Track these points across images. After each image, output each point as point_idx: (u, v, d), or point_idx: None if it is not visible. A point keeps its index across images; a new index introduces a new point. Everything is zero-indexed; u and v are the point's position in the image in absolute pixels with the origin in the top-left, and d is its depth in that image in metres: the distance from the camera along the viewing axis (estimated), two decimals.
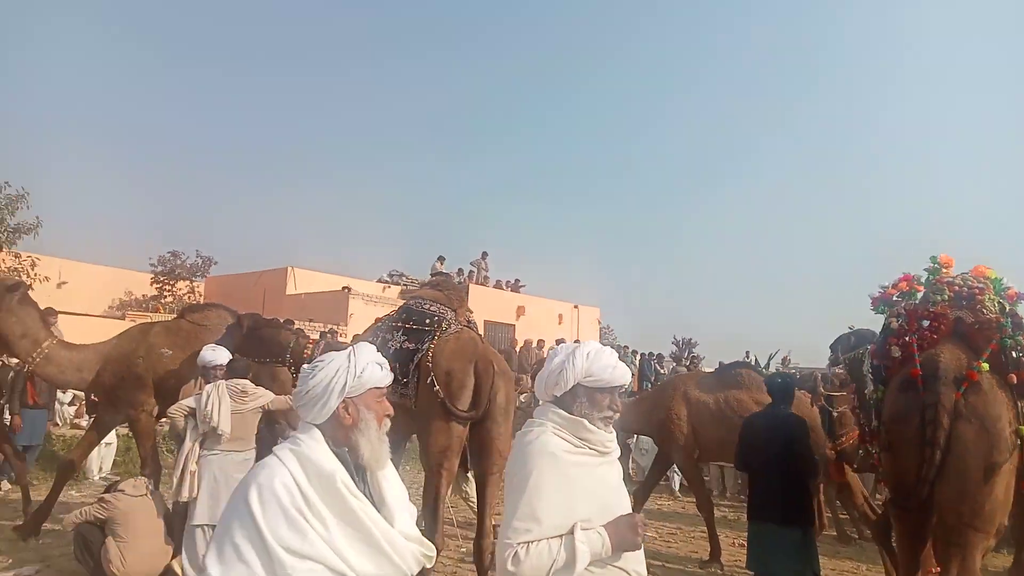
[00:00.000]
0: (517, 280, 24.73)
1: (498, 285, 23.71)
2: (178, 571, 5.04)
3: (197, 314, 6.71)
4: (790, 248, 57.91)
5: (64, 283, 18.05)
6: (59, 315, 10.28)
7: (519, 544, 1.98)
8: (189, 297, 20.17)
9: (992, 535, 3.65)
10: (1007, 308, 4.13)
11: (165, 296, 20.36)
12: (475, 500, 6.94)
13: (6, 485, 8.28)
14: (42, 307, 10.07)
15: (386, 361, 1.93)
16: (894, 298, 4.70)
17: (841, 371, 6.55)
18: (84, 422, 10.11)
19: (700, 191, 62.68)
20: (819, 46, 66.85)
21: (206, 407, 5.08)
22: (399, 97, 62.19)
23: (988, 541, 3.64)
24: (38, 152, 41.58)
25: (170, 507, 5.28)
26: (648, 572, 2.25)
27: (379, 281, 22.58)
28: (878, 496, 8.10)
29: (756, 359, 14.36)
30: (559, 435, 2.12)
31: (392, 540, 1.73)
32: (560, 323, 24.00)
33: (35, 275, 14.00)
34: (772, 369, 12.83)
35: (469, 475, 6.22)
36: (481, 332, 5.51)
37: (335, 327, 15.72)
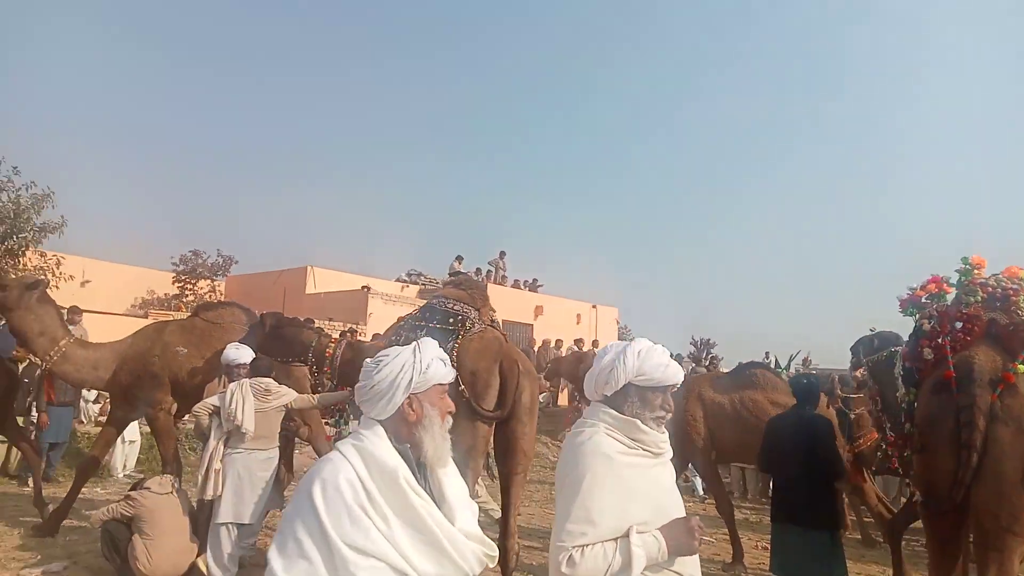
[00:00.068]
0: (535, 280, 24.73)
1: (516, 285, 23.70)
2: (203, 569, 5.08)
3: (211, 312, 6.74)
4: (811, 248, 57.37)
5: (88, 282, 18.31)
6: (83, 313, 10.41)
7: (574, 547, 1.94)
8: (210, 296, 20.37)
9: None
10: None
11: (186, 295, 20.57)
12: (483, 501, 6.95)
13: (32, 482, 8.39)
14: (67, 305, 10.28)
15: (448, 357, 1.90)
16: (923, 300, 4.63)
17: (862, 373, 6.49)
18: None
19: (721, 190, 62.30)
20: (846, 42, 66.18)
21: (230, 405, 5.11)
22: (417, 96, 62.40)
23: None
24: (62, 153, 42.22)
25: (194, 505, 5.32)
26: None
27: (397, 280, 22.66)
28: (902, 499, 8.01)
29: (776, 360, 14.29)
30: (612, 436, 2.08)
31: (454, 539, 1.70)
32: (578, 323, 23.94)
33: (60, 274, 14.17)
34: (792, 370, 12.75)
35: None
36: None
37: (354, 326, 15.78)
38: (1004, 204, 57.21)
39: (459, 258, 21.68)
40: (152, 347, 6.33)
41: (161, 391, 6.24)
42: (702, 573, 2.18)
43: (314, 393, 6.70)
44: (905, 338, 5.43)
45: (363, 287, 19.13)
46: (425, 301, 5.61)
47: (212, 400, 5.32)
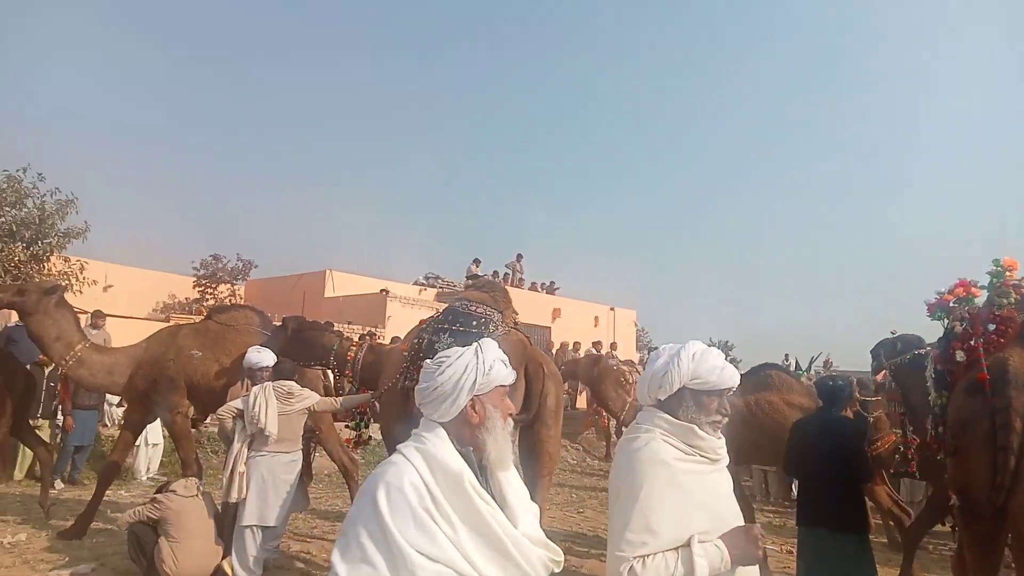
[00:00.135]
0: (552, 282, 24.70)
1: (533, 287, 23.68)
2: (228, 571, 5.10)
3: (224, 315, 6.77)
4: (829, 251, 56.82)
5: (110, 286, 18.49)
6: (106, 318, 10.52)
7: (635, 558, 1.89)
8: (230, 300, 20.50)
9: None
10: None
11: (207, 299, 20.73)
12: None
13: (60, 484, 8.50)
14: (90, 310, 10.41)
15: (507, 358, 1.87)
16: (951, 304, 4.58)
17: (884, 376, 6.42)
18: None
19: (740, 191, 61.89)
20: (874, 40, 65.57)
21: (253, 408, 5.14)
22: (435, 100, 62.64)
23: None
24: (84, 158, 42.80)
25: (219, 508, 5.35)
26: None
27: (415, 284, 22.73)
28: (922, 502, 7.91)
29: (797, 362, 14.15)
30: (668, 442, 2.02)
31: (519, 544, 1.66)
32: (596, 325, 23.87)
33: (83, 279, 14.31)
34: (812, 372, 12.61)
35: None
36: None
37: (373, 329, 15.83)
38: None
39: (476, 261, 21.71)
40: (167, 351, 6.36)
41: (177, 395, 6.27)
42: None
43: (335, 396, 6.73)
44: (927, 341, 5.38)
45: (381, 290, 19.20)
46: (443, 304, 5.61)
47: (236, 403, 5.35)
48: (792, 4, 67.92)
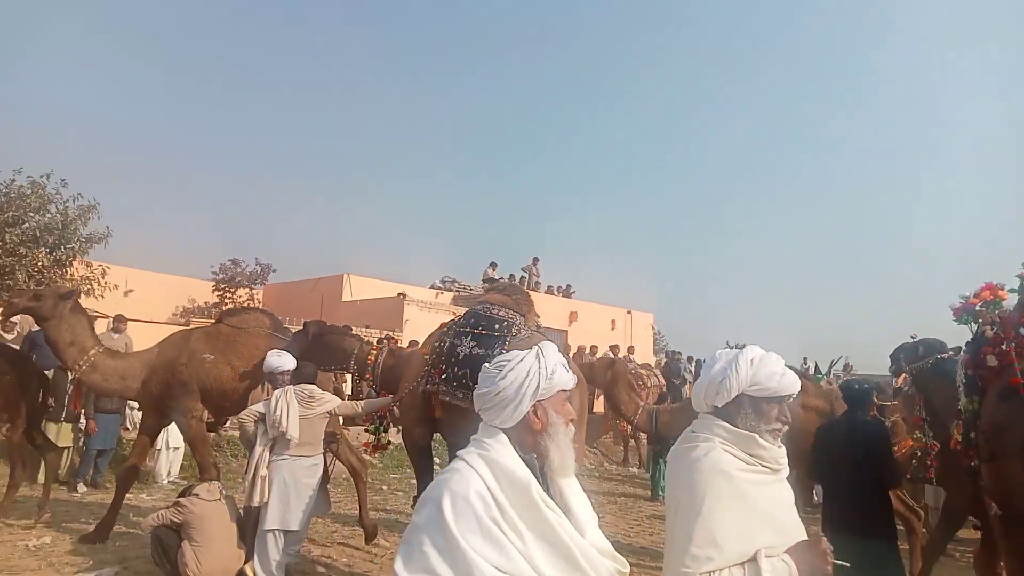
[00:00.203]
0: (568, 286, 24.62)
1: (549, 290, 23.61)
2: (250, 575, 5.10)
3: (235, 318, 6.78)
4: (848, 254, 56.28)
5: (131, 291, 18.68)
6: (128, 322, 10.60)
7: (700, 574, 1.83)
8: (248, 304, 20.63)
9: None
10: None
11: (226, 303, 20.87)
12: None
13: (82, 487, 8.56)
14: (112, 314, 10.49)
15: (566, 361, 1.82)
16: (977, 307, 4.48)
17: (903, 380, 6.32)
18: None
19: (755, 195, 61.44)
20: (897, 39, 64.94)
21: (275, 412, 5.14)
22: (451, 106, 62.81)
23: None
24: (106, 164, 43.34)
25: (241, 511, 5.35)
26: None
27: (432, 287, 22.75)
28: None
29: (816, 365, 13.99)
30: (728, 451, 1.95)
31: (588, 555, 1.61)
32: (613, 328, 23.74)
33: (105, 283, 14.47)
34: (832, 376, 12.46)
35: None
36: None
37: (390, 333, 15.86)
38: None
39: (493, 264, 21.71)
40: (179, 355, 6.36)
41: (191, 399, 6.28)
42: None
43: (355, 399, 6.72)
44: (949, 345, 5.29)
45: (399, 294, 19.24)
46: (459, 308, 5.59)
47: (257, 407, 5.35)
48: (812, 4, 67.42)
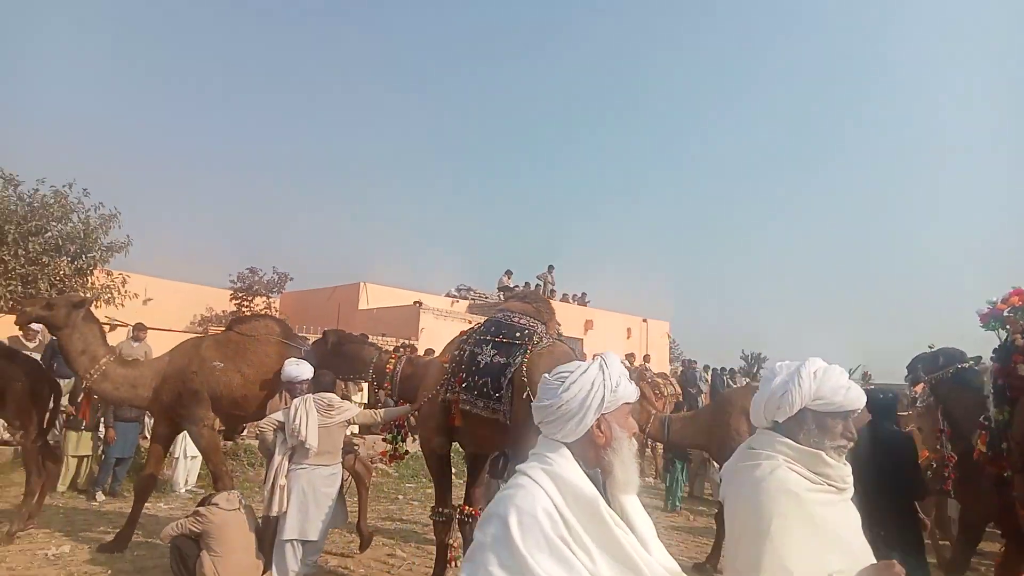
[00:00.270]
0: (584, 294, 24.57)
1: (565, 299, 23.56)
2: None
3: (245, 326, 6.73)
4: (862, 264, 55.72)
5: (150, 299, 18.81)
6: (147, 330, 10.66)
7: None
8: (265, 312, 20.73)
9: None
10: None
11: (243, 311, 20.98)
12: None
13: (101, 496, 8.59)
14: (132, 323, 10.55)
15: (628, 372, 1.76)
16: (1005, 313, 4.37)
17: (921, 390, 6.20)
18: None
19: (771, 204, 61.08)
20: (915, 48, 64.48)
21: (294, 421, 5.11)
22: (466, 113, 63.06)
23: None
24: (125, 174, 43.87)
25: (259, 521, 5.32)
26: None
27: (447, 296, 22.75)
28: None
29: None
30: (794, 470, 1.85)
31: (657, 574, 1.55)
32: (628, 337, 23.67)
33: (125, 292, 14.59)
34: None
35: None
36: None
37: (407, 341, 15.86)
38: None
39: (508, 272, 21.69)
40: (189, 364, 6.32)
41: (202, 407, 6.23)
42: None
43: (372, 407, 6.68)
44: (968, 355, 5.16)
45: (415, 302, 19.25)
46: (475, 316, 5.55)
47: (276, 416, 5.32)
48: (829, 7, 67.14)
